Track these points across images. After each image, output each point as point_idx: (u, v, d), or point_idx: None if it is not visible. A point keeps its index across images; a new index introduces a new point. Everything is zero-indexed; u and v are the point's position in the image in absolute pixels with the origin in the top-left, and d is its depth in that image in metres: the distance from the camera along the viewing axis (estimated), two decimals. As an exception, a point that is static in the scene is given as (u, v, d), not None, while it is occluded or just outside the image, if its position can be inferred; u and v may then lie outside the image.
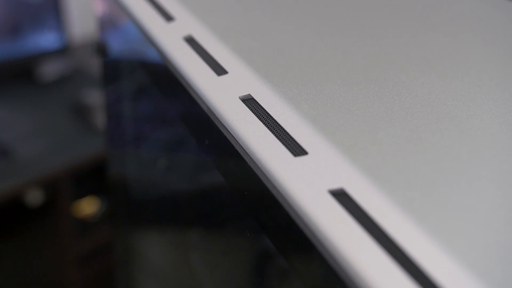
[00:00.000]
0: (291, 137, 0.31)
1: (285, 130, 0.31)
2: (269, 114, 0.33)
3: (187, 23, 0.44)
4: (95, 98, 1.59)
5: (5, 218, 1.60)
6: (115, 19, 0.64)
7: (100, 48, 0.71)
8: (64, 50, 1.74)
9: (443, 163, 0.28)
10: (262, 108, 0.33)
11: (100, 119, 1.54)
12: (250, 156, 0.32)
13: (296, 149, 0.30)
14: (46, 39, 1.68)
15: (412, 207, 0.25)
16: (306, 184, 0.28)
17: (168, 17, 0.46)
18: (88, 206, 1.69)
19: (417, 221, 0.24)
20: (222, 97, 0.36)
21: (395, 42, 0.41)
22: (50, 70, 1.73)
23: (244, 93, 0.35)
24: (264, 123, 0.32)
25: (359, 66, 0.37)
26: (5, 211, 1.53)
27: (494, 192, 0.26)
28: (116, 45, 0.67)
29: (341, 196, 0.26)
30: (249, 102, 0.34)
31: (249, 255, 0.46)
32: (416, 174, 0.27)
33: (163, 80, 0.48)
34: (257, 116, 0.33)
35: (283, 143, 0.31)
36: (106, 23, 0.70)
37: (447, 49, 0.40)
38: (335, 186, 0.27)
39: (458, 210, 0.25)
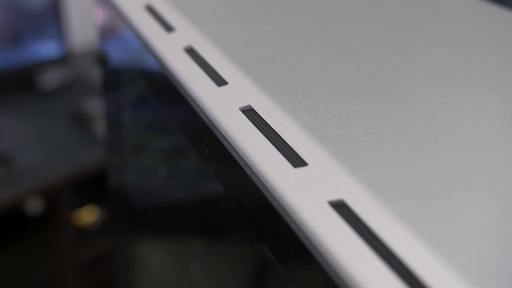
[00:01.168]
0: (291, 148, 0.31)
1: (285, 141, 0.31)
2: (269, 125, 0.33)
3: (187, 33, 0.44)
4: (95, 107, 1.59)
5: (5, 227, 1.60)
6: (115, 28, 0.64)
7: (100, 58, 0.72)
8: (64, 59, 1.74)
9: (442, 174, 0.28)
10: (262, 119, 0.33)
11: (100, 128, 1.54)
12: (250, 167, 0.32)
13: (296, 160, 0.30)
14: (47, 48, 1.69)
15: (411, 218, 0.25)
16: (305, 195, 0.28)
17: (168, 28, 0.47)
18: (88, 215, 1.69)
19: (416, 232, 0.24)
20: (222, 107, 0.36)
21: (395, 52, 0.41)
22: (50, 79, 1.74)
23: (244, 104, 0.35)
24: (264, 134, 0.33)
25: (359, 76, 0.37)
26: (5, 220, 1.52)
27: (493, 203, 0.26)
28: (116, 55, 0.68)
29: (341, 207, 0.27)
30: (249, 113, 0.35)
31: (249, 264, 0.46)
32: (416, 185, 0.27)
33: (163, 90, 0.48)
34: (257, 127, 0.33)
35: (283, 154, 0.31)
36: (107, 33, 0.70)
37: (446, 59, 0.40)
38: (335, 197, 0.27)
39: (457, 221, 0.25)
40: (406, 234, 0.24)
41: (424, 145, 0.30)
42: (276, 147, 0.31)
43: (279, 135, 0.32)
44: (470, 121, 0.33)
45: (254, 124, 0.34)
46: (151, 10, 0.51)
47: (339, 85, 0.36)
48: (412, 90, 0.36)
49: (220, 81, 0.38)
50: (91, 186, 1.60)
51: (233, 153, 0.34)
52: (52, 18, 1.67)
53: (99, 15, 0.70)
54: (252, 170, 0.32)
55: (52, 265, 1.63)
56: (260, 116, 0.34)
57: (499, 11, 0.50)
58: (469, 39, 0.45)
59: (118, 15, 0.57)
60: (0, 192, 1.35)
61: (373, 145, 0.30)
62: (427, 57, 0.40)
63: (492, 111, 0.34)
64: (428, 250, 0.23)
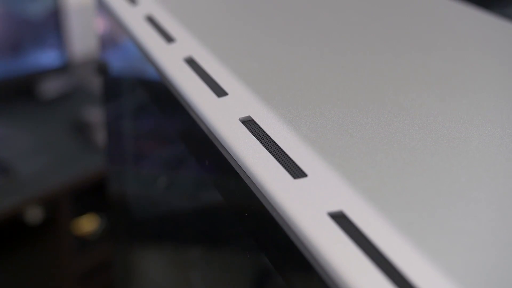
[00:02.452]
0: (290, 159, 0.31)
1: (284, 152, 0.31)
2: (269, 136, 0.33)
3: (187, 44, 0.45)
4: (95, 115, 1.59)
5: (5, 236, 1.60)
6: (115, 38, 0.64)
7: (101, 67, 0.72)
8: (64, 68, 1.75)
9: (442, 185, 0.28)
10: (262, 130, 0.34)
11: (100, 137, 1.54)
12: (249, 178, 0.32)
13: (296, 171, 0.30)
14: (47, 57, 1.69)
15: (410, 230, 0.25)
16: (305, 206, 0.28)
17: (168, 38, 0.47)
18: (88, 224, 1.69)
19: (415, 244, 0.24)
20: (222, 118, 0.36)
21: (394, 63, 0.41)
22: (50, 87, 1.74)
23: (244, 114, 0.35)
24: (264, 145, 0.33)
25: (358, 87, 0.37)
26: (5, 228, 1.52)
27: (492, 215, 0.26)
28: (117, 64, 0.68)
29: (340, 219, 0.27)
30: (249, 124, 0.35)
31: (249, 275, 0.46)
32: (415, 197, 0.27)
33: (163, 100, 0.48)
34: (257, 138, 0.33)
35: (282, 165, 0.31)
36: (107, 42, 0.70)
37: (445, 70, 0.40)
38: (334, 208, 0.27)
39: (456, 233, 0.25)
40: (405, 245, 0.24)
41: (423, 156, 0.30)
42: (276, 158, 0.31)
43: (278, 146, 0.32)
44: (469, 132, 0.33)
45: (254, 135, 0.34)
46: (151, 20, 0.51)
47: (338, 96, 0.36)
48: (411, 101, 0.36)
49: (220, 91, 0.39)
50: (91, 195, 1.60)
51: (233, 164, 0.34)
52: (53, 27, 1.68)
53: (100, 25, 0.70)
54: (251, 181, 0.32)
55: (52, 274, 1.62)
56: (260, 127, 0.34)
57: (498, 22, 0.51)
58: (469, 49, 0.45)
59: (118, 25, 0.57)
60: (0, 200, 1.35)
61: (373, 156, 0.30)
62: (426, 68, 0.40)
63: (491, 122, 0.34)
64: (428, 262, 0.23)
